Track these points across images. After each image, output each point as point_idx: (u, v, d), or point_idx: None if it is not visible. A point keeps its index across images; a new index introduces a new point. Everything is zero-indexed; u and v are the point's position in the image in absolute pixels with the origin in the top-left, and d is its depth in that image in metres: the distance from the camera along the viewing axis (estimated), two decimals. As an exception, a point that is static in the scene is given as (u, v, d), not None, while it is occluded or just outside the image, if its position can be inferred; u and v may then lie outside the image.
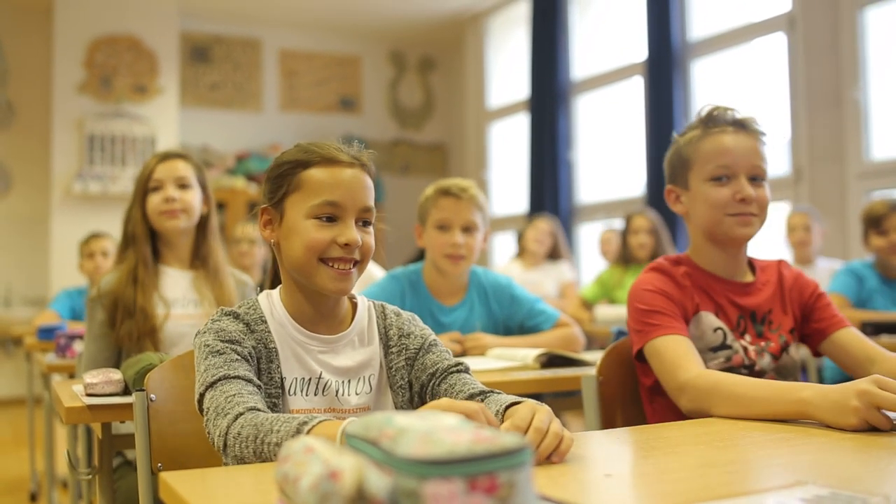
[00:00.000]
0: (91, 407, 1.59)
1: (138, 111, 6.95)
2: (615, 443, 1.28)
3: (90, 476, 1.73)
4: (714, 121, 1.68)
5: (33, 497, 3.84)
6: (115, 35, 6.92)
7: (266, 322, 1.33)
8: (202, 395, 1.23)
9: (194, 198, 2.26)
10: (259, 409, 1.17)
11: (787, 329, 1.69)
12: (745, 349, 1.65)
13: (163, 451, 1.39)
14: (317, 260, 1.31)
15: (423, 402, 1.37)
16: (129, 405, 1.42)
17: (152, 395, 1.41)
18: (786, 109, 5.07)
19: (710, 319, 1.65)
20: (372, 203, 1.35)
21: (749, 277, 1.72)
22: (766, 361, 1.65)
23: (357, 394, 1.35)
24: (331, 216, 1.32)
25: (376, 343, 1.40)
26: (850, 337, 1.66)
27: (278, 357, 1.32)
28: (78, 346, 2.57)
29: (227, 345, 1.26)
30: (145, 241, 2.22)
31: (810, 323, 1.72)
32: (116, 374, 1.68)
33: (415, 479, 0.67)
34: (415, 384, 1.38)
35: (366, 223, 1.35)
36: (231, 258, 4.43)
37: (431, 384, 1.36)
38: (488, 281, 2.42)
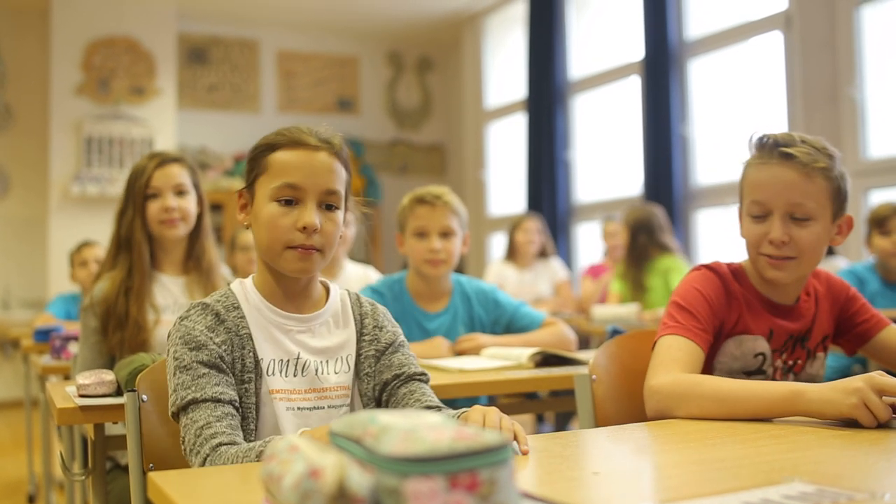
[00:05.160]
0: (83, 408, 1.59)
1: (136, 113, 6.95)
2: (605, 441, 1.28)
3: (83, 477, 1.73)
4: (760, 149, 1.55)
5: (31, 499, 3.84)
6: (112, 37, 6.92)
7: (239, 308, 1.34)
8: (175, 416, 1.25)
9: (191, 203, 2.26)
10: (224, 443, 1.18)
11: (814, 343, 1.63)
12: (775, 371, 1.60)
13: (154, 452, 1.39)
14: (282, 248, 1.31)
15: (378, 399, 1.37)
16: (122, 406, 1.41)
17: (144, 396, 1.40)
18: (782, 108, 5.06)
19: (757, 344, 1.57)
20: (338, 187, 1.33)
21: (795, 298, 1.63)
22: (790, 381, 1.60)
23: (336, 373, 1.36)
24: (290, 199, 1.31)
25: (352, 327, 1.40)
26: None
27: (252, 341, 1.32)
28: (73, 348, 2.57)
29: (193, 354, 1.26)
30: (145, 248, 2.21)
31: (852, 327, 1.65)
32: (109, 375, 1.68)
33: (396, 476, 0.67)
34: (376, 377, 1.39)
35: (329, 207, 1.33)
36: (239, 266, 4.41)
37: (392, 384, 1.37)
38: (472, 287, 2.47)
